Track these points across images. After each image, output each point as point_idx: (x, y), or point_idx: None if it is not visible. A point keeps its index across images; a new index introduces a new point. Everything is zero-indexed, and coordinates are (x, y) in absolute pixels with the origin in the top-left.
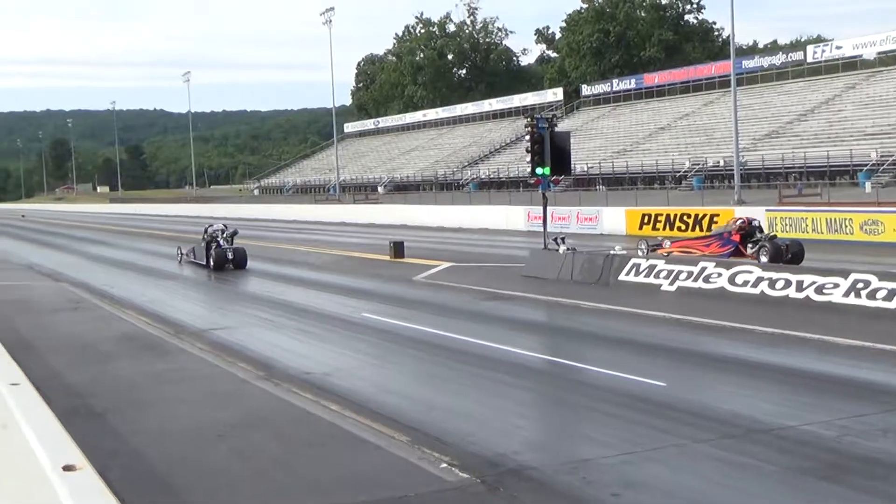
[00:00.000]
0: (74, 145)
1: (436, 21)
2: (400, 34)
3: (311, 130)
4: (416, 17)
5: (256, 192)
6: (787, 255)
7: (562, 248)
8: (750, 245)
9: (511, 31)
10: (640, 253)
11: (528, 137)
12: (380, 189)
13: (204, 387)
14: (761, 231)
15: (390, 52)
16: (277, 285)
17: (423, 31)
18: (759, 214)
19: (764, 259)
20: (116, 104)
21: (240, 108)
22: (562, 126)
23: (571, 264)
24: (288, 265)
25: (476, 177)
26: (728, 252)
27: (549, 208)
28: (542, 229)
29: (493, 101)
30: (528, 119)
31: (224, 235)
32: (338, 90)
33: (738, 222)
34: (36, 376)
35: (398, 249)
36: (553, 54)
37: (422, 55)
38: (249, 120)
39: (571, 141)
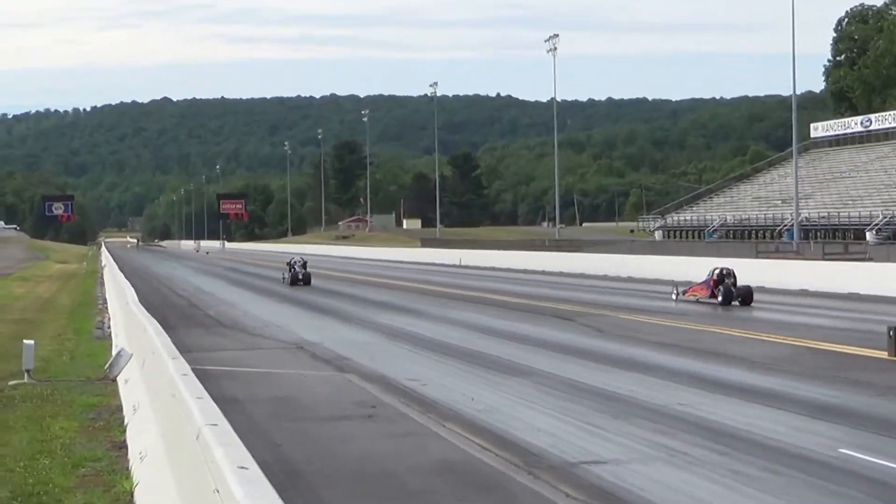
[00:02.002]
0: (370, 153)
1: None
2: None
3: (751, 134)
4: None
5: (658, 234)
6: (737, 297)
7: None
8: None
9: None
10: (673, 297)
11: None
12: (869, 236)
13: None
14: (731, 278)
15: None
16: (686, 389)
17: None
18: None
19: (717, 300)
20: (436, 87)
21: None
22: None
23: None
24: (711, 359)
25: None
26: (707, 294)
27: None
28: None
29: None
30: None
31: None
32: (802, 67)
33: (716, 271)
34: None
35: None
36: None
37: None
38: (650, 114)
39: None
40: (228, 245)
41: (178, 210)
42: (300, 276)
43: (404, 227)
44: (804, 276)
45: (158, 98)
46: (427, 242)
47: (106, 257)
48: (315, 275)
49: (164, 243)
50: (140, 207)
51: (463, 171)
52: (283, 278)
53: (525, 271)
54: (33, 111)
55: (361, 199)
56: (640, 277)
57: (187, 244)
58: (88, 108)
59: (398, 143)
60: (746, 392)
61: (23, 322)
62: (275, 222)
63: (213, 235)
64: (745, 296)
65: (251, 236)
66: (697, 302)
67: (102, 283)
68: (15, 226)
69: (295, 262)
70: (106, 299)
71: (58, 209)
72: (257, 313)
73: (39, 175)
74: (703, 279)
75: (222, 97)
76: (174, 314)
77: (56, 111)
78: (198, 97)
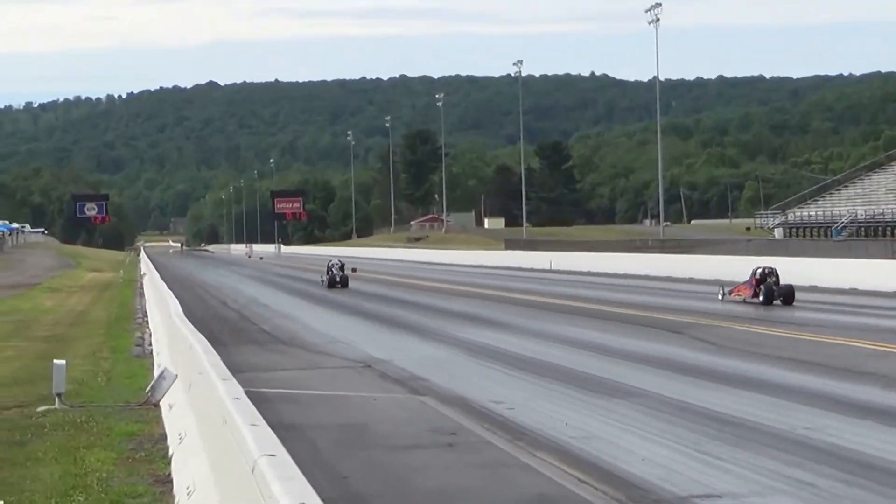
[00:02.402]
0: (446, 142)
1: None
2: None
3: (884, 116)
4: None
5: (778, 232)
6: (778, 297)
7: None
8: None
9: None
10: (719, 297)
11: None
12: None
13: None
14: (773, 277)
15: None
16: (812, 411)
17: None
18: None
19: (759, 300)
20: (521, 66)
21: (748, 73)
22: None
23: None
24: (841, 376)
25: None
26: (751, 293)
27: None
28: None
29: None
30: None
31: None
32: None
33: (758, 270)
34: None
35: None
36: None
37: None
38: (767, 94)
39: None
40: (285, 249)
41: (226, 210)
42: (338, 279)
43: (485, 226)
44: None
45: (203, 82)
46: (512, 244)
47: (146, 264)
48: (384, 282)
49: (212, 248)
50: (184, 207)
51: (552, 162)
52: (322, 281)
53: (625, 276)
54: (62, 99)
55: (436, 196)
56: None
57: (238, 248)
58: (124, 95)
59: (478, 132)
60: (883, 414)
61: (53, 339)
62: (337, 223)
63: (267, 238)
64: (787, 295)
65: (310, 239)
66: (744, 302)
67: (142, 294)
68: (42, 229)
69: (333, 265)
70: (146, 312)
71: (90, 210)
72: (319, 327)
73: (69, 171)
74: (746, 279)
75: (276, 80)
76: (224, 329)
77: (88, 98)
78: (248, 80)
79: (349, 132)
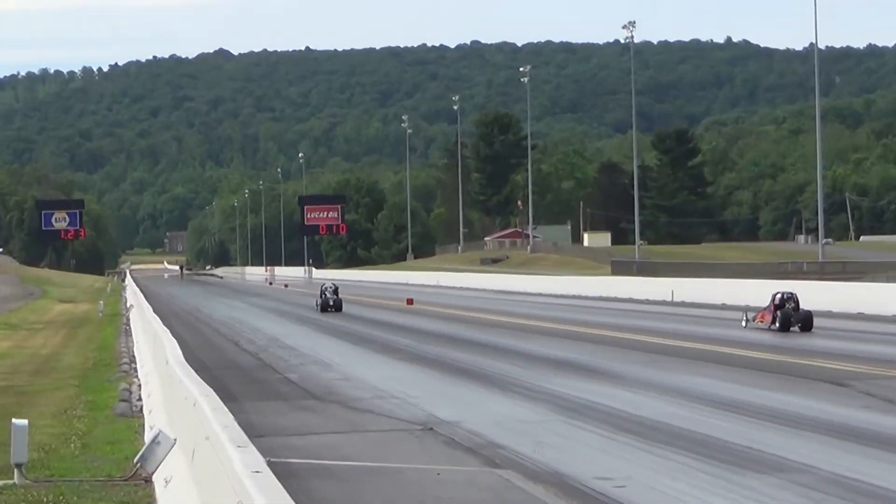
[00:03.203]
0: (533, 131)
1: None
2: None
3: None
4: None
5: None
6: (796, 324)
7: None
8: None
9: None
10: (743, 323)
11: None
12: None
13: None
14: (792, 302)
15: None
16: None
17: None
18: None
19: (776, 326)
20: (632, 29)
21: None
22: None
23: None
24: None
25: None
26: (770, 321)
27: None
28: None
29: None
30: None
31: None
32: None
33: (777, 296)
34: None
35: None
36: None
37: None
38: None
39: None
40: (318, 273)
41: (239, 222)
42: (331, 303)
43: (585, 244)
44: None
45: (211, 51)
46: (620, 267)
47: (133, 293)
48: (448, 318)
49: (220, 271)
50: (183, 218)
51: (675, 158)
52: (317, 304)
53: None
54: (23, 72)
55: (519, 203)
56: None
57: (255, 273)
58: (106, 67)
59: (575, 117)
60: None
61: (10, 392)
62: (387, 239)
63: (294, 259)
64: (805, 321)
65: (352, 260)
66: (769, 329)
67: (129, 333)
68: None
69: (326, 289)
70: (134, 356)
71: (60, 222)
72: (364, 376)
73: (33, 169)
74: (766, 304)
75: (307, 48)
76: (238, 379)
77: (57, 72)
78: (270, 48)
79: (404, 117)
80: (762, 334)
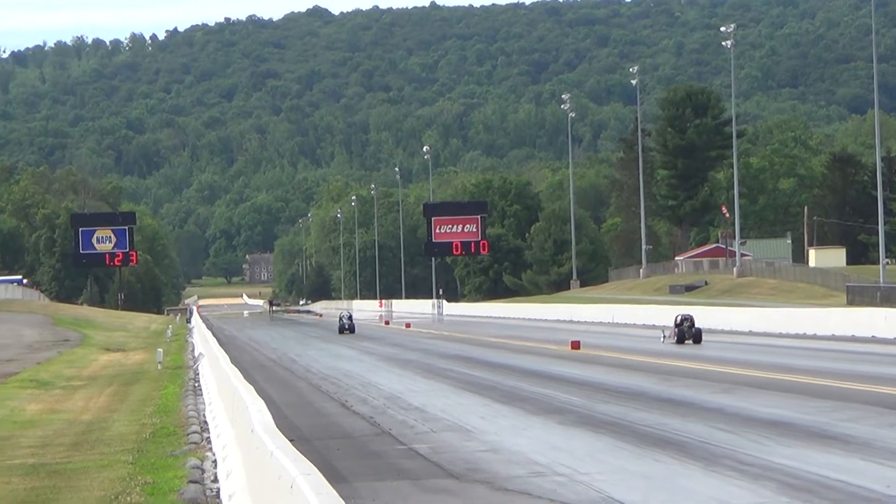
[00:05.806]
0: (738, 112)
1: None
2: None
3: None
4: None
5: None
6: (689, 338)
7: None
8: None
9: None
10: (662, 340)
11: None
12: None
13: None
14: (687, 322)
15: None
16: None
17: None
18: None
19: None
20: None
21: None
22: None
23: None
24: None
25: None
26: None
27: None
28: None
29: None
30: None
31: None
32: None
33: (677, 317)
34: None
35: None
36: None
37: None
38: None
39: None
40: (450, 308)
41: (344, 239)
42: (346, 327)
43: (811, 263)
44: None
45: (303, 9)
46: (860, 294)
47: (203, 338)
48: (625, 365)
49: (319, 306)
50: (268, 236)
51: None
52: (340, 326)
53: None
54: (51, 42)
55: (723, 209)
56: None
57: (365, 308)
58: (162, 35)
59: (795, 93)
60: None
61: (42, 472)
62: (544, 260)
63: (417, 289)
64: (696, 336)
65: (496, 289)
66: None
67: (198, 391)
68: (20, 276)
69: (343, 315)
70: (206, 423)
71: (104, 242)
72: (517, 446)
73: (66, 173)
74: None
75: (432, 3)
76: (348, 451)
77: (98, 42)
78: (382, 5)
79: (564, 96)
80: None
